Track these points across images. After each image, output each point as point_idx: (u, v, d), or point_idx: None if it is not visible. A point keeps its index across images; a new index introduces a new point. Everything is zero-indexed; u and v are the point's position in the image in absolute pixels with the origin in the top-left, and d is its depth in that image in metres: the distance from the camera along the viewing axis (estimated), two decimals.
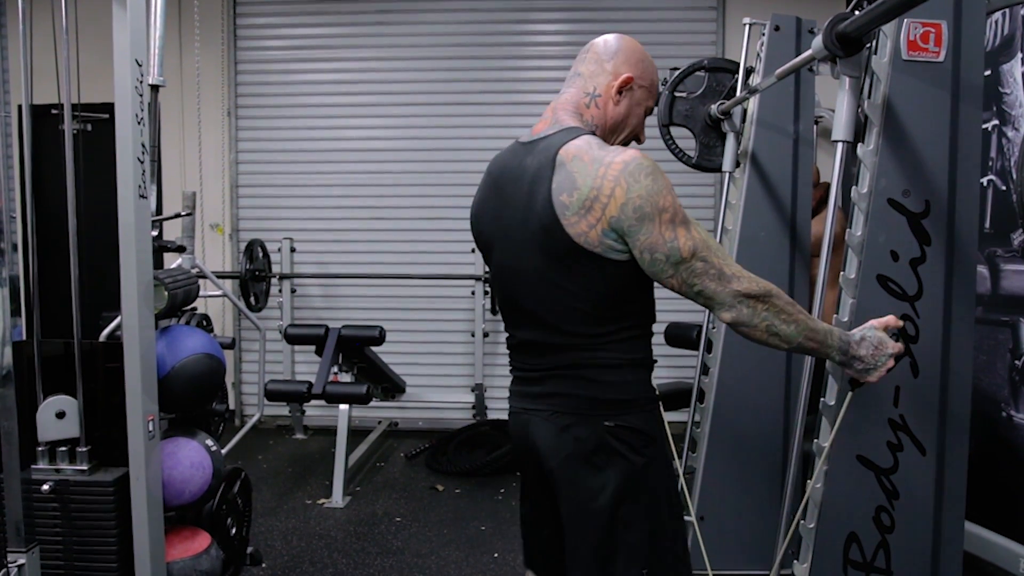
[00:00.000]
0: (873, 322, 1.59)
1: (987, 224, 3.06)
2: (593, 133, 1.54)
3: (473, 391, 5.19)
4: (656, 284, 1.51)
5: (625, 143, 1.63)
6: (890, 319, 1.60)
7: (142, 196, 1.97)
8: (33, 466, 2.04)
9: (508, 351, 1.67)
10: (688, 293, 1.45)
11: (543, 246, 1.47)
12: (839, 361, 1.56)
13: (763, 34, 3.05)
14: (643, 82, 1.59)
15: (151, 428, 1.99)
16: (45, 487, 2.00)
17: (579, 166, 1.43)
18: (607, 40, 1.60)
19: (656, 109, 3.25)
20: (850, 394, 1.82)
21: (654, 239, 1.41)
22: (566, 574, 1.58)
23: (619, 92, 1.57)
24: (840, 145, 1.89)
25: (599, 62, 1.58)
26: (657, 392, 1.60)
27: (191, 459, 2.19)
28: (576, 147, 1.46)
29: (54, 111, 4.28)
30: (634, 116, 1.61)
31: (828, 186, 1.96)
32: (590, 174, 1.42)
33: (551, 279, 1.49)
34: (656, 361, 1.61)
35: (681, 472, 2.90)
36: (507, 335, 1.66)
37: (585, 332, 1.50)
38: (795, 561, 2.06)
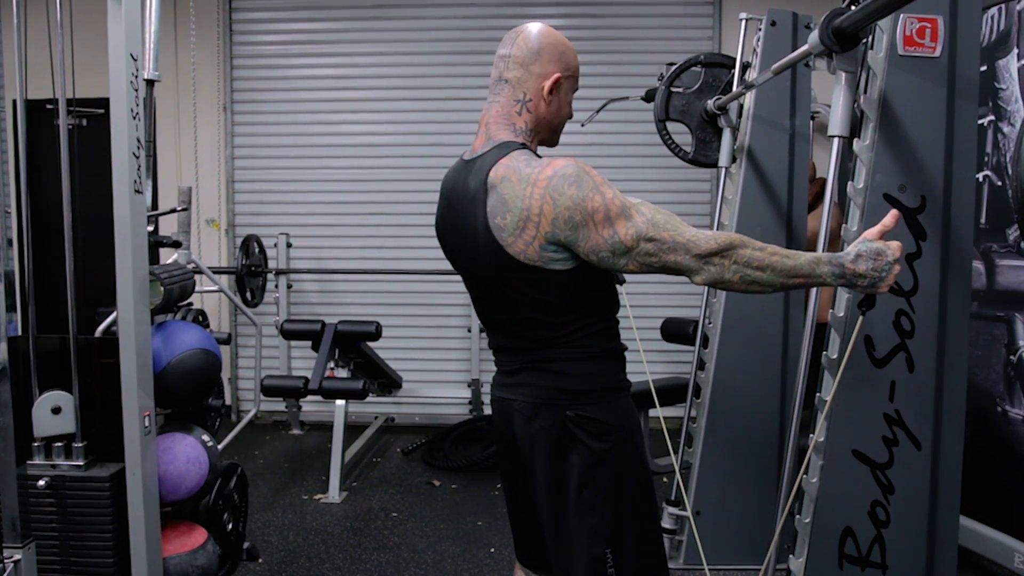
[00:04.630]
0: (866, 234, 1.53)
1: (983, 219, 3.06)
2: (525, 145, 1.56)
3: (469, 386, 5.18)
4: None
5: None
6: (886, 222, 1.54)
7: (138, 191, 1.96)
8: (29, 462, 2.03)
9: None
10: (653, 271, 1.46)
11: (491, 264, 1.53)
12: (840, 285, 1.51)
13: (759, 29, 3.05)
14: (568, 72, 1.61)
15: (147, 424, 1.99)
16: (41, 483, 1.99)
17: (508, 188, 1.46)
18: (527, 40, 1.59)
19: (653, 105, 3.29)
20: (860, 319, 1.78)
21: (594, 241, 1.44)
22: (549, 556, 1.64)
23: (550, 92, 1.58)
24: (836, 140, 1.90)
25: (524, 66, 1.57)
26: (625, 382, 1.63)
27: (187, 454, 2.18)
28: (505, 167, 1.48)
29: (49, 106, 4.27)
30: (565, 106, 1.63)
31: (824, 181, 1.97)
32: (519, 195, 1.45)
33: (504, 293, 1.56)
34: (627, 348, 1.65)
35: (677, 467, 2.90)
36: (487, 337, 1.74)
37: (546, 335, 1.56)
38: (790, 555, 2.07)
